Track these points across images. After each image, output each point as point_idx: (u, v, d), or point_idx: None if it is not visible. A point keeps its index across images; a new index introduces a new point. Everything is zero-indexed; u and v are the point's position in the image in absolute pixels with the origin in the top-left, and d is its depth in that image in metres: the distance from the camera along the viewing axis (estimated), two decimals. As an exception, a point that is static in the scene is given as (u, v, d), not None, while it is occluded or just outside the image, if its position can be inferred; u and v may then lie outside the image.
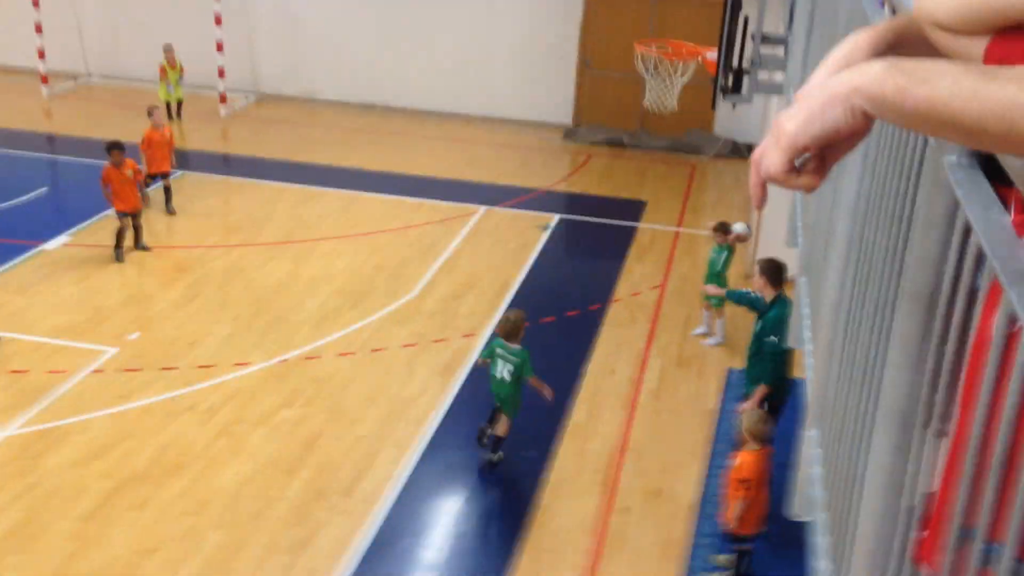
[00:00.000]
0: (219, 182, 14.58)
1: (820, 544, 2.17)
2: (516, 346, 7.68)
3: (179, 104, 17.02)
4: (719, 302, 9.47)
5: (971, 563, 1.00)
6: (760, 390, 7.38)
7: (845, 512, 1.93)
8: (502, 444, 7.81)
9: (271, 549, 6.82)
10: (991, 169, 1.17)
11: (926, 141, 1.51)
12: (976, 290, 1.12)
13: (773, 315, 7.42)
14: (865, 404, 1.87)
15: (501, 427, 7.75)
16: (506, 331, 7.73)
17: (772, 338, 7.28)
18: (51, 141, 16.12)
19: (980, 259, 1.10)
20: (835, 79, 0.99)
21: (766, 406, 7.34)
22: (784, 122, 1.03)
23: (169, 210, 12.69)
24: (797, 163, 1.04)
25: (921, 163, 1.53)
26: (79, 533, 6.86)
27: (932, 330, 1.33)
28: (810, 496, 2.38)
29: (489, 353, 7.84)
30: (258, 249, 11.83)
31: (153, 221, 12.63)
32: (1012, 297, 0.87)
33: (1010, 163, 0.95)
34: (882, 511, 1.51)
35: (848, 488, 1.93)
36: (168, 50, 16.56)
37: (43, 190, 13.86)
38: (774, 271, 7.48)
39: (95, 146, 15.66)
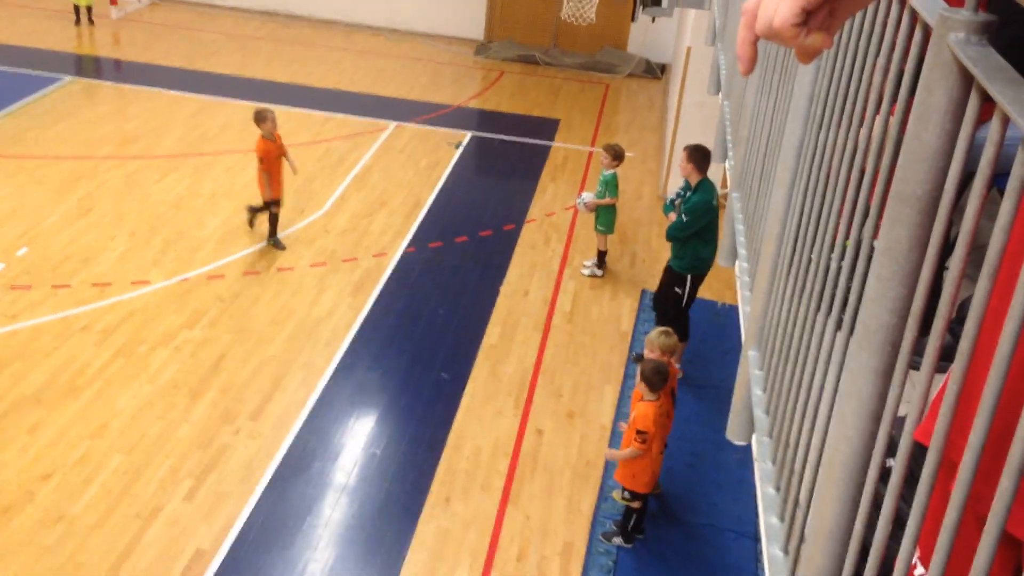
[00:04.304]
0: (111, 89, 13.78)
1: (764, 470, 2.09)
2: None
3: (89, 9, 16.09)
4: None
5: None
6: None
7: (791, 438, 1.84)
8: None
9: (175, 472, 6.57)
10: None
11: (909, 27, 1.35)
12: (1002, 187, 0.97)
13: (697, 199, 7.52)
14: (819, 322, 1.76)
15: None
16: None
17: (683, 217, 7.56)
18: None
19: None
20: None
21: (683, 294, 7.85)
22: None
23: (276, 244, 9.61)
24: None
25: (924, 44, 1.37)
26: (-34, 459, 6.48)
27: (925, 238, 1.19)
28: (753, 420, 2.29)
29: None
30: (156, 162, 11.25)
31: (40, 129, 11.86)
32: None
33: None
34: (858, 441, 1.41)
35: (796, 414, 1.84)
36: None
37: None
38: (702, 156, 7.49)
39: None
